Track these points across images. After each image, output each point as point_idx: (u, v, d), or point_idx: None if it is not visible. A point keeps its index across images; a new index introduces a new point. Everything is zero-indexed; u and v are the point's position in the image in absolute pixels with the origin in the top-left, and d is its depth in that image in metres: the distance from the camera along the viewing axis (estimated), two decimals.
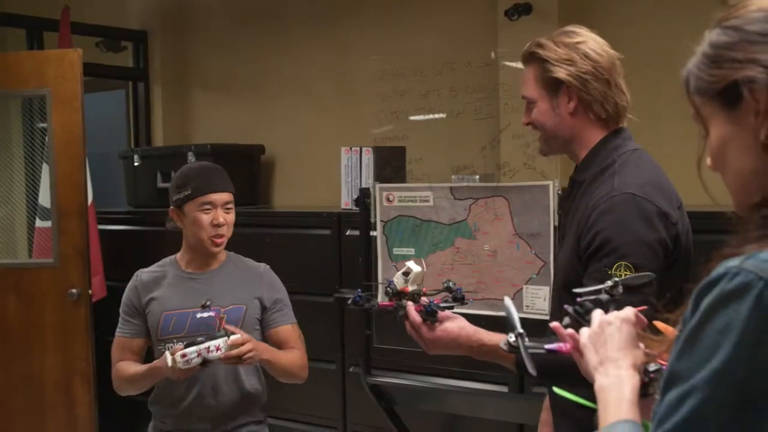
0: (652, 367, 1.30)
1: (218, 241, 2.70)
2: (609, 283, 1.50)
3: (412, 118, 4.56)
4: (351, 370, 4.08)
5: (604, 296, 1.48)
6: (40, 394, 4.51)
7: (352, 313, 3.90)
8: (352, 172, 4.24)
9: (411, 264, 1.99)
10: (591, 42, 2.07)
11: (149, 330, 2.75)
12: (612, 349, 1.30)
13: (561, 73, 2.04)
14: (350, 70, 4.95)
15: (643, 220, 1.92)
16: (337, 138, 4.69)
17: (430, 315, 1.95)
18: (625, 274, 1.83)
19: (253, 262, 2.87)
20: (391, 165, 4.23)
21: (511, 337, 1.52)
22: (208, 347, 2.38)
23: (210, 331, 2.59)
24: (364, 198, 3.71)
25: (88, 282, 4.46)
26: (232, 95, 5.51)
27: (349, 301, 2.07)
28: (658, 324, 1.28)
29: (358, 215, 3.78)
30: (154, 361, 2.62)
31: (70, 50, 4.52)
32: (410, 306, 1.97)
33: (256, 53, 5.36)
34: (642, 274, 1.69)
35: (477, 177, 3.85)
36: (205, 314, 2.65)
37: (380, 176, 4.11)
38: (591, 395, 1.30)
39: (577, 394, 1.41)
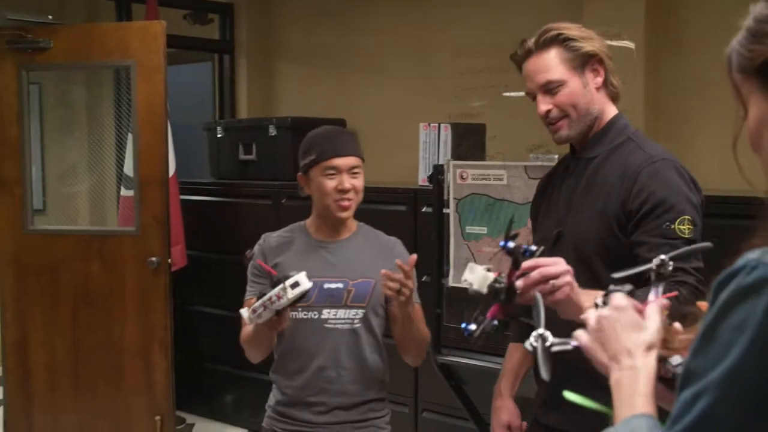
0: (675, 360, 1.23)
1: (344, 204, 2.53)
2: (656, 261, 1.40)
3: (488, 94, 4.46)
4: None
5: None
6: (120, 359, 4.60)
7: (423, 291, 3.86)
8: (430, 148, 4.19)
9: (474, 264, 1.81)
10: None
11: None
12: (619, 340, 1.24)
13: (590, 46, 2.13)
14: (430, 46, 4.89)
15: (686, 183, 2.05)
16: (417, 114, 4.63)
17: (532, 254, 1.74)
18: (689, 228, 1.96)
19: (385, 236, 2.72)
20: (469, 142, 4.16)
21: (532, 338, 1.41)
22: (270, 297, 2.24)
23: (335, 301, 2.50)
24: (437, 175, 3.66)
25: (168, 251, 4.52)
26: (315, 69, 5.50)
27: (471, 338, 1.73)
28: (702, 305, 1.19)
29: (432, 192, 3.72)
30: None
31: (154, 22, 4.56)
32: (511, 273, 1.74)
33: (340, 27, 5.33)
34: (693, 247, 1.65)
35: (556, 156, 3.74)
36: (333, 285, 2.52)
37: (457, 153, 4.05)
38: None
39: (590, 398, 1.32)
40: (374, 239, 2.68)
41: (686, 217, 1.99)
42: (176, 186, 4.84)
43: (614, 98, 2.21)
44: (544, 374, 1.36)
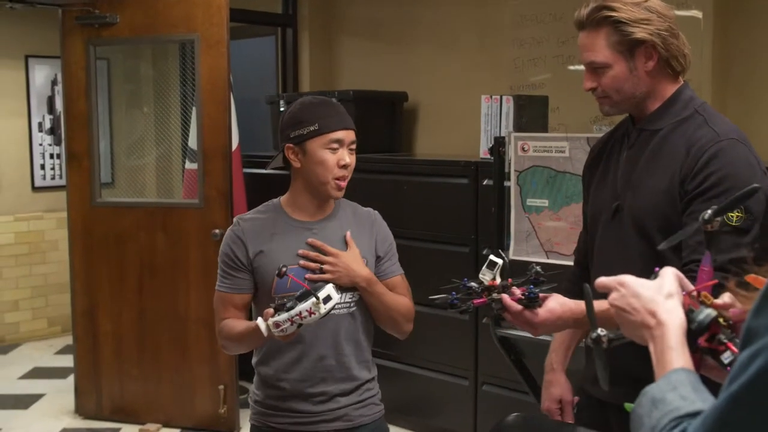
0: (727, 358, 1.20)
1: (342, 184, 2.36)
2: (702, 218, 1.38)
3: (550, 66, 4.38)
4: (484, 321, 4.00)
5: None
6: (184, 328, 4.66)
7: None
8: (492, 120, 4.13)
9: (493, 257, 1.98)
10: None
11: (256, 285, 2.41)
12: (638, 309, 1.25)
13: (642, 33, 2.03)
14: (491, 17, 4.81)
15: (749, 166, 1.96)
16: (478, 86, 4.58)
17: (532, 302, 1.95)
18: (737, 216, 1.89)
19: (361, 208, 2.54)
20: (531, 114, 4.09)
21: (590, 338, 1.42)
22: (300, 313, 2.08)
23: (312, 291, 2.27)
24: (498, 147, 3.61)
25: (231, 223, 4.54)
26: (376, 42, 5.46)
27: (449, 308, 2.02)
28: (750, 278, 1.15)
29: (493, 165, 3.67)
30: (254, 322, 2.27)
31: None
32: (505, 297, 1.96)
33: (401, 0, 5.27)
34: (739, 194, 1.56)
35: None
36: None
37: (519, 125, 3.99)
38: None
39: None
40: (353, 214, 2.50)
41: None
42: (239, 159, 4.86)
43: (679, 73, 2.11)
44: (603, 384, 1.40)
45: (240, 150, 4.87)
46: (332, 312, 2.17)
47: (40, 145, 6.53)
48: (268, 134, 5.42)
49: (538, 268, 1.98)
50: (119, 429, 4.76)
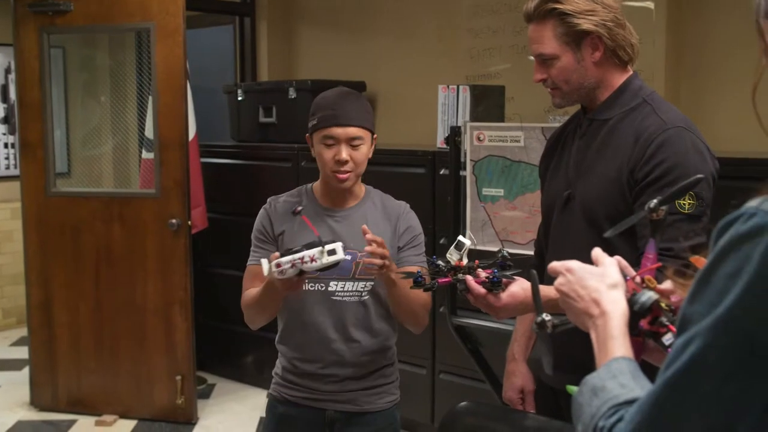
0: (668, 339, 1.22)
1: (340, 177, 2.39)
2: (648, 207, 1.42)
3: (506, 55, 4.39)
4: (441, 310, 4.01)
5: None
6: (142, 319, 4.63)
7: (443, 252, 3.83)
8: (449, 110, 4.14)
9: (462, 238, 2.00)
10: None
11: None
12: (582, 296, 1.27)
13: (587, 24, 2.06)
14: (448, 7, 4.81)
15: (697, 153, 1.99)
16: (436, 75, 4.58)
17: (495, 285, 1.96)
18: (689, 203, 1.93)
19: (393, 201, 2.57)
20: (487, 104, 4.10)
21: (535, 323, 1.44)
22: (303, 257, 2.12)
23: (343, 273, 2.38)
24: (454, 137, 3.62)
25: (188, 213, 4.52)
26: (335, 32, 5.44)
27: (413, 285, 2.06)
28: (693, 259, 1.18)
29: (449, 154, 3.68)
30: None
31: None
32: (469, 279, 1.97)
33: None
34: (684, 183, 1.57)
35: None
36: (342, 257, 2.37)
37: (476, 115, 4.00)
38: None
39: None
40: (381, 206, 2.54)
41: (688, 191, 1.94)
42: (197, 149, 4.82)
43: (627, 62, 2.14)
44: (547, 368, 1.42)
45: (197, 139, 4.84)
46: (337, 297, 2.30)
47: None
48: (226, 124, 5.39)
49: (506, 252, 1.99)
50: (75, 420, 4.71)
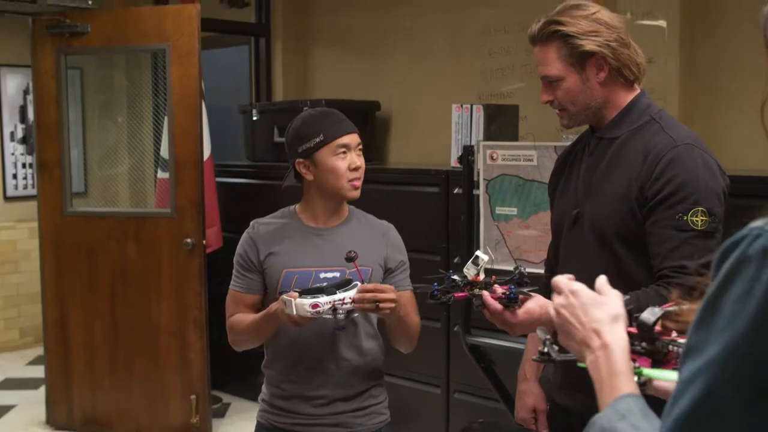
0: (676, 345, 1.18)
1: (357, 183, 2.43)
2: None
3: (519, 74, 4.40)
4: (455, 329, 4.00)
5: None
6: (156, 338, 4.64)
7: (458, 271, 3.83)
8: (463, 129, 4.14)
9: (480, 253, 1.99)
10: (603, 11, 2.12)
11: (266, 286, 2.47)
12: (583, 324, 1.21)
13: (591, 45, 2.06)
14: (462, 27, 4.82)
15: (708, 169, 1.99)
16: (449, 95, 4.59)
17: (512, 302, 1.94)
18: (702, 220, 1.93)
19: (377, 220, 2.60)
20: (501, 123, 4.11)
21: (543, 348, 1.39)
22: (344, 299, 2.13)
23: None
24: (467, 156, 3.63)
25: (202, 232, 4.53)
26: (349, 51, 5.46)
27: (429, 298, 2.04)
28: (688, 310, 1.14)
29: (462, 173, 3.68)
30: (271, 305, 2.33)
31: (188, 6, 4.56)
32: (485, 294, 1.96)
33: (373, 10, 5.29)
34: None
35: None
36: (330, 274, 2.40)
37: (489, 134, 4.00)
38: None
39: None
40: (367, 224, 2.57)
41: (700, 208, 1.94)
42: (212, 168, 4.85)
43: (633, 81, 2.13)
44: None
45: (212, 159, 4.86)
46: (330, 316, 2.25)
47: (12, 154, 6.49)
48: (241, 143, 5.41)
49: (522, 269, 1.98)
50: None
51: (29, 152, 6.48)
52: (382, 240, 2.52)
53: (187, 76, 4.48)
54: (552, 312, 1.29)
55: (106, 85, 6.24)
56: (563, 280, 1.30)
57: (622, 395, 1.10)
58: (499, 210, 3.53)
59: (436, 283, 2.03)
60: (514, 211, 3.48)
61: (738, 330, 0.87)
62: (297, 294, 2.18)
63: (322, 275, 2.40)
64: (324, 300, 2.14)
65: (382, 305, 2.22)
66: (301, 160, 2.43)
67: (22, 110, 6.50)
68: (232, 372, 5.30)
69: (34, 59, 4.73)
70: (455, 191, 4.04)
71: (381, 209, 4.32)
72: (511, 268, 2.07)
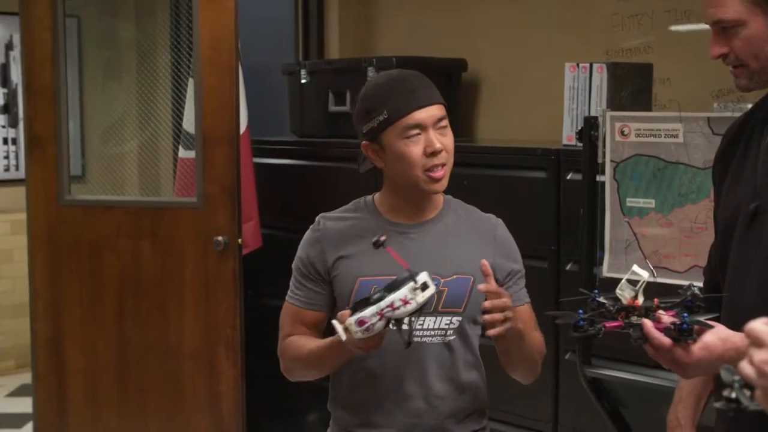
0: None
1: (436, 175, 2.37)
2: None
3: (658, 25, 4.36)
4: (567, 357, 3.99)
5: None
6: (177, 364, 4.69)
7: (570, 281, 3.80)
8: (579, 96, 4.13)
9: (637, 269, 1.97)
10: None
11: (335, 299, 2.47)
12: None
13: None
14: None
15: None
16: (561, 51, 4.57)
17: (684, 334, 1.89)
18: None
19: (480, 213, 2.59)
20: (631, 87, 4.08)
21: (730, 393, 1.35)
22: (392, 303, 2.08)
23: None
24: (589, 131, 3.60)
25: (238, 229, 4.56)
26: None
27: (572, 330, 1.99)
28: None
29: (582, 153, 3.67)
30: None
31: None
32: (648, 325, 1.92)
33: None
34: None
35: (749, 106, 3.63)
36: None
37: (616, 102, 3.97)
38: None
39: None
40: (467, 219, 2.55)
41: None
42: (249, 146, 4.88)
43: None
44: None
45: (249, 134, 4.89)
46: (417, 338, 2.28)
47: None
48: (285, 114, 5.44)
49: (696, 290, 1.95)
50: None
51: (12, 124, 6.59)
52: (489, 241, 2.51)
53: (220, 26, 4.51)
54: (749, 371, 1.27)
55: (111, 37, 6.31)
56: (763, 329, 1.28)
57: None
58: (630, 202, 3.51)
59: (580, 310, 1.98)
60: (651, 203, 3.46)
61: None
62: (349, 312, 2.15)
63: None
64: (369, 313, 2.10)
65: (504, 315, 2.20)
66: (366, 142, 2.44)
67: (3, 70, 6.61)
68: (275, 409, 5.33)
69: (22, 4, 4.79)
70: (569, 177, 4.02)
71: (468, 201, 4.34)
72: (650, 280, 2.02)
